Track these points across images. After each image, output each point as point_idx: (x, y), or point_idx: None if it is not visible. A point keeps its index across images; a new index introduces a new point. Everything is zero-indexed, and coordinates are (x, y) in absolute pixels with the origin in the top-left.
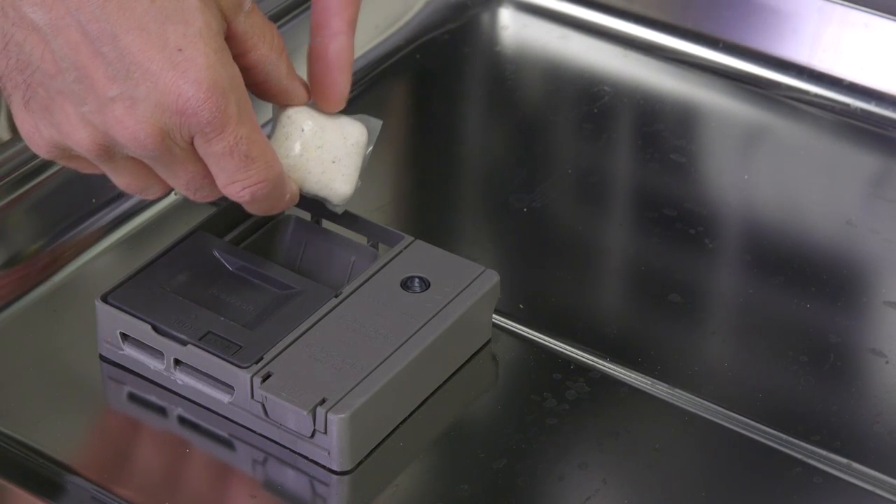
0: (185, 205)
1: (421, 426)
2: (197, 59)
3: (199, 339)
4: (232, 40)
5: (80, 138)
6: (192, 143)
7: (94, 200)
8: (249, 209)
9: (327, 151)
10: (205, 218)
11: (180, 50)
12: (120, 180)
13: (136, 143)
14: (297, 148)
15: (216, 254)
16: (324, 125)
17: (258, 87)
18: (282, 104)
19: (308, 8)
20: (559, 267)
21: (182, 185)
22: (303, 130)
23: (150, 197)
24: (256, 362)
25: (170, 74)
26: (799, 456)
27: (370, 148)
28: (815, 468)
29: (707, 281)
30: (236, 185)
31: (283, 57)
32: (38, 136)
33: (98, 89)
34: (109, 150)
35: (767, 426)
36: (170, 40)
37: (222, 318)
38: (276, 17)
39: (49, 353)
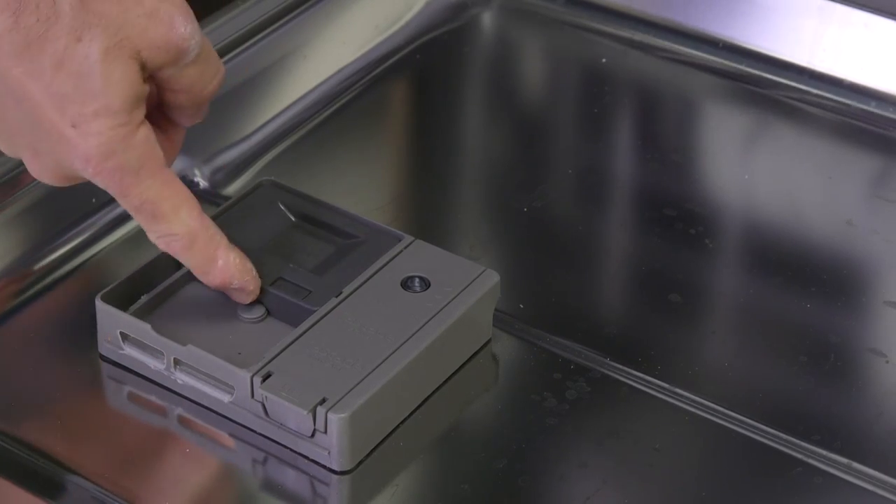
0: None
1: (421, 426)
2: (88, 138)
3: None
4: (159, 83)
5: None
6: None
7: (93, 200)
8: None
9: None
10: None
11: (74, 126)
12: None
13: (46, 181)
14: None
15: None
16: None
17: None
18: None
19: (306, 10)
20: (559, 267)
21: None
22: None
23: None
24: (256, 362)
25: (63, 145)
26: (799, 456)
27: None
28: (815, 468)
29: (707, 281)
30: (151, 235)
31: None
32: None
33: (11, 134)
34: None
35: (767, 426)
36: (66, 115)
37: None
38: (276, 17)
39: (49, 353)
